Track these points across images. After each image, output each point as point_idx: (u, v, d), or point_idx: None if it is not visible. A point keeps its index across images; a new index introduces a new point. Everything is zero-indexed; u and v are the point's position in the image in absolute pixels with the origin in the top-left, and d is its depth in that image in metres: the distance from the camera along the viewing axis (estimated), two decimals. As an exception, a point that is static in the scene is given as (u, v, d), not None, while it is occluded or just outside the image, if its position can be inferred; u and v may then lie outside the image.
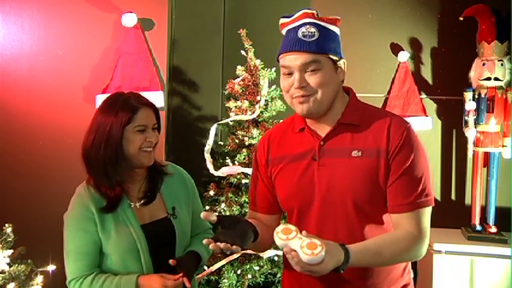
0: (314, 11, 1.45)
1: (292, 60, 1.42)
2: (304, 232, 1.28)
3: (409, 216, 1.41)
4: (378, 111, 1.56)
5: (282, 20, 1.49)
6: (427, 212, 1.43)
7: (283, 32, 1.49)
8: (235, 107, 2.91)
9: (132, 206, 1.68)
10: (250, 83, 2.88)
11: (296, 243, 1.24)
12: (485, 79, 2.87)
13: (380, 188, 1.43)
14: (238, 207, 2.80)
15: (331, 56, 1.44)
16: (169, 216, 1.72)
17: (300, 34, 1.42)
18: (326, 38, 1.43)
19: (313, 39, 1.40)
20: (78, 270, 1.61)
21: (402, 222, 1.42)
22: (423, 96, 3.16)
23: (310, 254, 1.21)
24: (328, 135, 1.48)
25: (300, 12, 1.46)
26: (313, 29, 1.41)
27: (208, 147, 2.92)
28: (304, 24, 1.43)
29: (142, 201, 1.70)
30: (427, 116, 3.09)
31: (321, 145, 1.47)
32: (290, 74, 1.44)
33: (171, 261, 1.60)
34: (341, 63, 1.48)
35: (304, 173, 1.48)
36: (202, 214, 1.35)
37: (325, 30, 1.44)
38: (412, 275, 1.60)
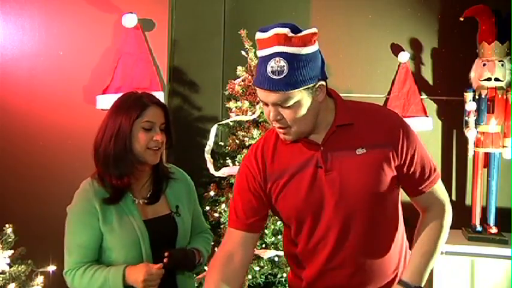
0: (286, 31, 1.33)
1: (264, 96, 1.39)
2: None
3: (432, 192, 1.54)
4: (366, 107, 1.56)
5: (258, 36, 1.38)
6: (441, 183, 1.56)
7: (258, 54, 1.40)
8: (236, 107, 2.91)
9: (136, 202, 1.70)
10: (250, 84, 2.88)
11: None
12: (485, 79, 2.87)
13: (389, 178, 1.46)
14: (239, 207, 2.80)
15: (305, 87, 1.36)
16: (172, 214, 1.75)
17: (268, 69, 1.34)
18: (298, 68, 1.34)
19: (282, 76, 1.33)
20: (74, 263, 1.64)
21: (429, 201, 1.55)
22: (423, 96, 3.16)
23: None
24: (326, 140, 1.46)
25: (271, 33, 1.34)
26: (282, 63, 1.33)
27: (208, 147, 2.92)
28: (274, 55, 1.34)
29: (146, 200, 1.73)
30: (427, 116, 3.09)
31: (322, 151, 1.45)
32: (266, 104, 1.41)
33: (166, 254, 1.65)
34: (319, 85, 1.39)
35: (312, 183, 1.45)
36: None
37: (296, 58, 1.34)
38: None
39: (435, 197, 1.55)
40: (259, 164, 1.52)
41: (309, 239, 1.50)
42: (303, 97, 1.37)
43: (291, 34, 1.33)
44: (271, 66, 1.34)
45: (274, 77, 1.34)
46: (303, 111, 1.38)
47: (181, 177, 1.86)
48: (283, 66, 1.33)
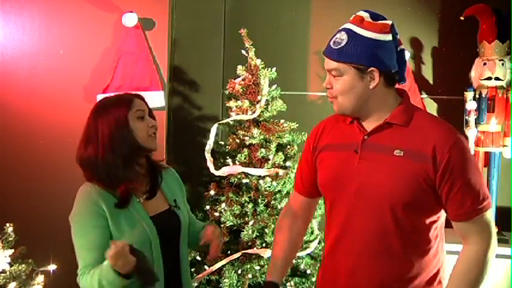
0: (366, 15, 1.47)
1: (325, 63, 1.53)
2: None
3: (474, 222, 1.49)
4: (428, 117, 1.57)
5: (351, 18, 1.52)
6: (489, 214, 1.50)
7: None
8: (236, 106, 2.91)
9: (139, 200, 1.71)
10: (250, 83, 2.88)
11: None
12: (486, 79, 2.87)
13: (417, 191, 1.44)
14: (239, 206, 2.80)
15: (354, 65, 1.45)
16: (172, 207, 1.77)
17: (333, 39, 1.50)
18: (354, 47, 1.44)
19: (338, 47, 1.46)
20: (87, 265, 1.62)
21: (470, 231, 1.51)
22: (424, 96, 3.16)
23: None
24: (373, 130, 1.51)
25: (356, 14, 1.50)
26: (344, 36, 1.46)
27: (208, 147, 2.92)
28: (343, 29, 1.49)
29: (146, 196, 1.74)
30: (427, 115, 3.09)
31: (364, 139, 1.51)
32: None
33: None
34: (371, 71, 1.45)
35: (344, 164, 1.53)
36: None
37: (356, 36, 1.45)
38: (444, 284, 1.62)
39: (477, 229, 1.50)
40: (318, 134, 1.66)
41: (330, 212, 1.59)
42: (351, 75, 1.47)
43: (368, 19, 1.47)
44: (335, 37, 1.50)
45: (333, 46, 1.48)
46: (349, 88, 1.48)
47: (169, 171, 1.89)
48: (343, 39, 1.46)
